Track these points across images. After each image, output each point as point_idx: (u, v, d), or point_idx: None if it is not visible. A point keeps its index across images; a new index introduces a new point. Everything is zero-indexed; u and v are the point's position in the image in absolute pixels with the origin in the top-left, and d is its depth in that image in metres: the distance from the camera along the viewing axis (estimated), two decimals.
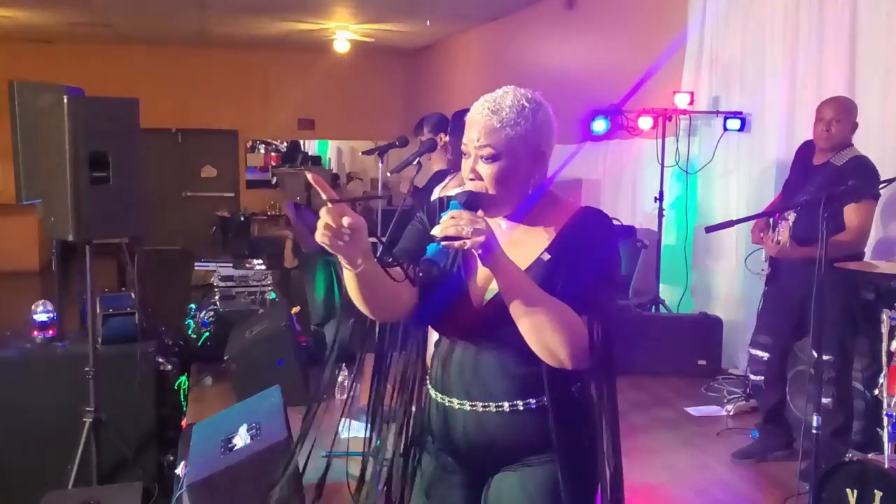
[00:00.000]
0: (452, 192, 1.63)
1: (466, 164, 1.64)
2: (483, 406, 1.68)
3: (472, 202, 1.58)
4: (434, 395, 1.79)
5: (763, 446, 3.78)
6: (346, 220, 1.42)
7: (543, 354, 1.55)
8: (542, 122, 1.63)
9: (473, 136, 1.61)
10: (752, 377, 3.83)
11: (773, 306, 3.74)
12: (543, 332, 1.52)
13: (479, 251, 1.50)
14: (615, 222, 6.35)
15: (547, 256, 1.63)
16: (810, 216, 3.23)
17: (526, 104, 1.61)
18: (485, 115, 1.60)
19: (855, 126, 3.59)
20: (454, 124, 3.65)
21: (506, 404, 1.66)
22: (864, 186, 3.39)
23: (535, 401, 1.65)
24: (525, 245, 1.66)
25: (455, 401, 1.72)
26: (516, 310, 1.53)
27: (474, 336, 1.68)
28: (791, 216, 3.44)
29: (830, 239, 3.31)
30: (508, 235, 1.68)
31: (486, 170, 1.61)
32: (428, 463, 1.87)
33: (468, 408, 1.70)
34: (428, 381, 1.83)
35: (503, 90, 1.64)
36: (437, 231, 1.51)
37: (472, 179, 1.63)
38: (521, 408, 1.66)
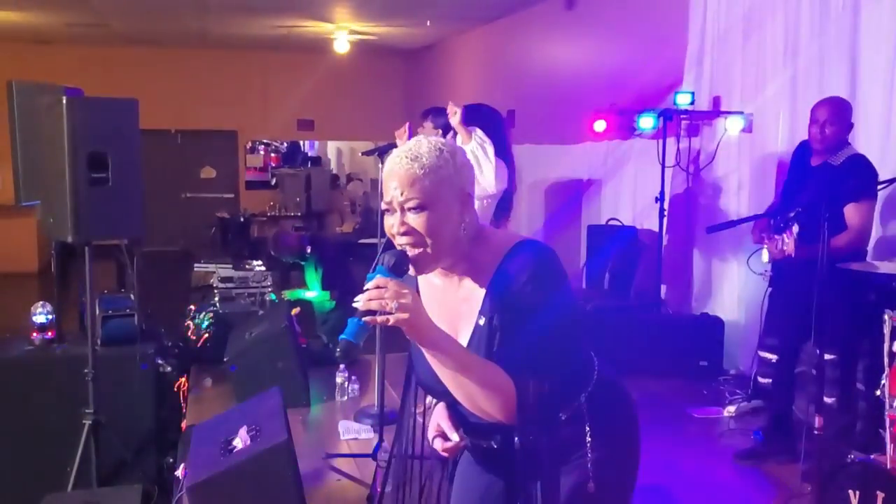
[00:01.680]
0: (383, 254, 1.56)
1: (390, 222, 1.57)
2: (474, 442, 1.74)
3: (399, 264, 1.53)
4: None
5: (766, 449, 3.77)
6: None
7: (478, 414, 1.57)
8: (462, 164, 1.60)
9: (395, 190, 1.55)
10: (761, 380, 3.81)
11: (779, 308, 3.72)
12: (475, 398, 1.54)
13: (404, 328, 1.46)
14: (613, 222, 6.36)
15: (482, 321, 1.59)
16: (812, 219, 3.22)
17: (443, 148, 1.58)
18: (405, 164, 1.55)
19: (850, 126, 3.57)
20: (466, 118, 3.63)
21: (481, 442, 1.72)
22: (861, 185, 3.39)
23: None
24: (463, 304, 1.63)
25: (469, 438, 1.76)
26: (446, 379, 1.53)
27: (446, 396, 1.64)
28: (795, 228, 3.41)
29: (832, 239, 3.31)
30: (443, 295, 1.66)
31: (416, 221, 1.54)
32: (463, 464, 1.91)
33: (475, 443, 1.76)
34: None
35: (414, 140, 1.60)
36: (358, 303, 1.46)
37: (403, 234, 1.55)
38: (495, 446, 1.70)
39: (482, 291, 1.60)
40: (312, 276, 5.66)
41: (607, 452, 1.67)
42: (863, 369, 3.59)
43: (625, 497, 1.78)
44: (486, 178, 3.50)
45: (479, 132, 3.56)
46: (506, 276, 1.57)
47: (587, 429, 1.65)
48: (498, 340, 1.56)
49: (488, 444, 1.70)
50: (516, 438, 1.59)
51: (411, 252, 1.56)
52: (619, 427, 1.75)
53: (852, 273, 3.18)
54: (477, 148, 3.51)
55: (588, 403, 1.66)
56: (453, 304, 1.65)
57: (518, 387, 1.53)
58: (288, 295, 5.69)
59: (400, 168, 1.55)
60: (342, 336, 1.48)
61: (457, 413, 1.72)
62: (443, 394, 1.64)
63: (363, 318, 1.46)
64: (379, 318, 1.45)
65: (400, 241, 1.57)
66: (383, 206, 1.60)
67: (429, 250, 1.56)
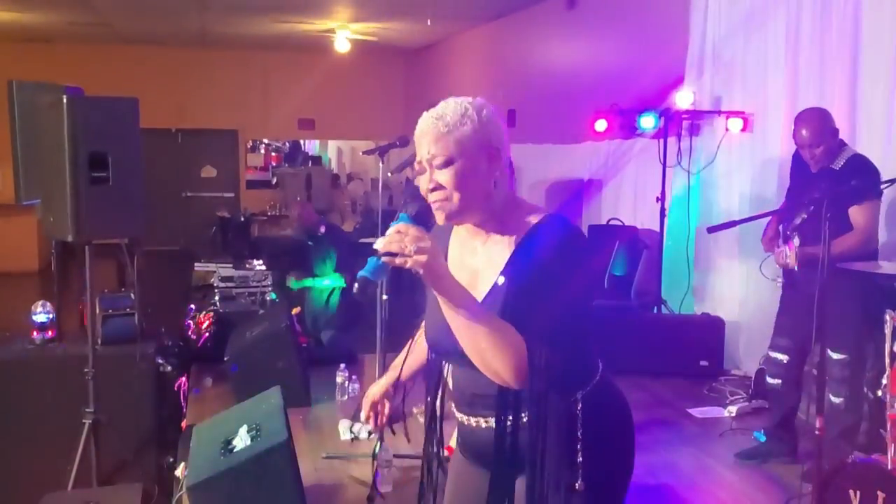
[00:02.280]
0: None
1: (423, 180, 1.63)
2: (474, 420, 1.73)
3: (422, 214, 1.56)
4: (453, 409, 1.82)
5: (768, 449, 3.77)
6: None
7: (488, 374, 1.56)
8: (487, 119, 1.63)
9: (424, 149, 1.62)
10: (770, 380, 3.80)
11: (791, 309, 3.71)
12: (484, 354, 1.53)
13: (421, 271, 1.47)
14: (614, 222, 6.36)
15: (502, 280, 1.62)
16: (817, 222, 3.21)
17: (468, 106, 1.63)
18: (430, 123, 1.62)
19: (835, 132, 3.54)
20: None
21: (481, 420, 1.71)
22: (866, 187, 3.38)
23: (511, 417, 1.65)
24: (486, 262, 1.67)
25: (460, 415, 1.77)
26: (458, 331, 1.53)
27: (451, 354, 1.65)
28: (797, 240, 3.40)
29: (836, 242, 3.30)
30: (470, 251, 1.71)
31: (443, 176, 1.60)
32: (456, 465, 1.90)
33: (466, 422, 1.75)
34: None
35: (444, 101, 1.66)
36: (378, 245, 1.49)
37: (433, 190, 1.62)
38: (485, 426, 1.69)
39: (507, 253, 1.64)
40: (322, 264, 5.65)
41: (599, 454, 1.67)
42: (867, 370, 3.59)
43: (615, 501, 1.76)
44: None
45: None
46: (534, 242, 1.61)
47: (578, 427, 1.64)
48: (513, 302, 1.57)
49: (484, 423, 1.70)
50: (523, 415, 1.60)
51: (441, 207, 1.61)
52: (614, 431, 1.74)
53: (858, 273, 3.18)
54: None
55: (584, 403, 1.66)
56: (477, 260, 1.69)
57: (530, 348, 1.52)
58: (293, 284, 5.67)
59: (427, 127, 1.62)
60: (360, 273, 1.49)
61: (457, 385, 1.73)
62: (450, 353, 1.65)
63: (382, 258, 1.49)
64: (398, 260, 1.47)
65: (431, 199, 1.62)
66: (416, 168, 1.65)
67: (455, 204, 1.61)
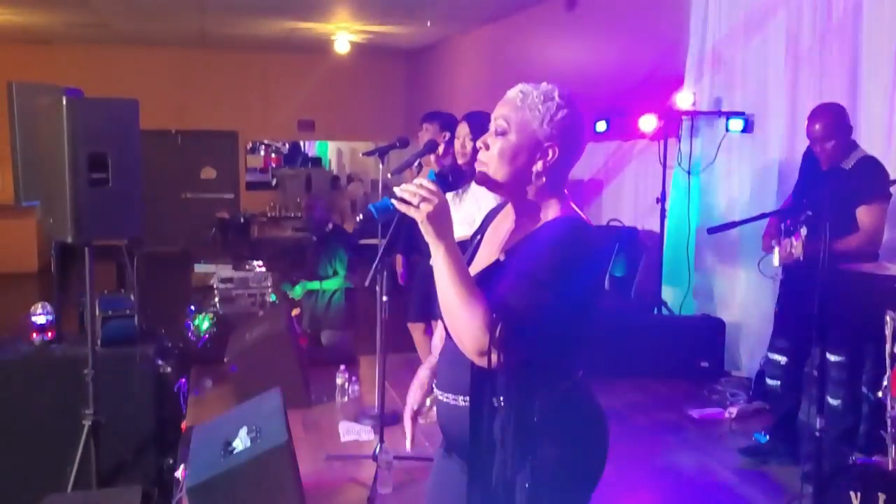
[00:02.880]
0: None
1: (484, 135, 1.72)
2: (447, 397, 1.74)
3: (448, 175, 1.68)
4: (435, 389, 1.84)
5: (769, 451, 3.76)
6: None
7: (453, 336, 1.62)
8: (558, 120, 1.67)
9: (499, 111, 1.71)
10: (769, 381, 3.80)
11: (790, 310, 3.71)
12: (453, 311, 1.58)
13: (419, 220, 1.58)
14: (614, 223, 6.36)
15: (502, 257, 1.69)
16: (822, 223, 3.20)
17: (556, 98, 1.68)
18: (515, 93, 1.71)
19: (850, 130, 3.54)
20: (475, 128, 3.61)
21: (459, 398, 1.71)
22: (873, 187, 3.37)
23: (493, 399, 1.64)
24: (502, 238, 1.74)
25: (438, 392, 1.79)
26: (438, 286, 1.60)
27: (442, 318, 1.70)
28: (804, 230, 3.39)
29: (841, 241, 3.30)
30: (503, 228, 1.77)
31: (493, 142, 1.69)
32: (437, 457, 1.90)
33: (442, 398, 1.77)
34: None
35: (547, 83, 1.72)
36: (397, 190, 1.62)
37: (480, 148, 1.72)
38: (462, 404, 1.69)
39: (518, 238, 1.71)
40: (327, 264, 5.64)
41: (568, 454, 1.67)
42: (867, 371, 3.58)
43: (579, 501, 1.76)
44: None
45: None
46: (542, 233, 1.67)
47: (535, 420, 1.62)
48: (502, 280, 1.61)
49: (462, 401, 1.69)
50: (501, 398, 1.61)
51: (481, 167, 1.71)
52: (586, 433, 1.75)
53: (857, 274, 3.17)
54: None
55: (547, 403, 1.63)
56: (499, 238, 1.76)
57: (492, 319, 1.54)
58: (299, 289, 5.66)
59: (511, 94, 1.72)
60: (370, 206, 1.67)
61: (441, 361, 1.81)
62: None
63: (392, 201, 1.62)
64: (402, 207, 1.59)
65: (479, 157, 1.72)
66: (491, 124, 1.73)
67: (491, 171, 1.69)
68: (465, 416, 1.65)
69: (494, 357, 1.54)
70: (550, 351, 1.62)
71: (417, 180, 1.62)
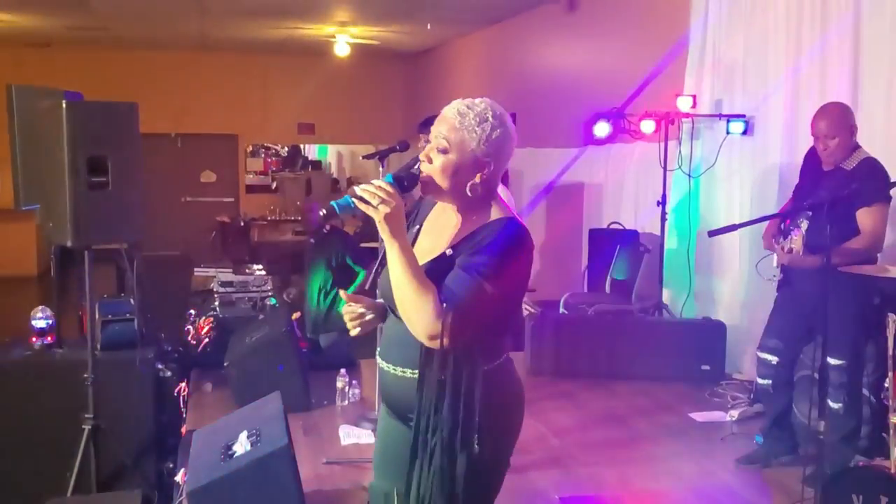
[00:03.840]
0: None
1: (426, 148, 1.89)
2: (394, 369, 1.93)
3: (404, 180, 1.84)
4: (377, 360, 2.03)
5: (768, 451, 3.75)
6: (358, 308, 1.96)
7: (407, 323, 1.80)
8: (494, 139, 1.86)
9: (438, 128, 1.87)
10: (760, 381, 3.79)
11: (784, 311, 3.70)
12: (405, 302, 1.79)
13: (377, 219, 1.76)
14: (615, 225, 6.35)
15: (449, 252, 1.88)
16: (822, 223, 3.20)
17: (490, 119, 1.86)
18: (452, 113, 1.87)
19: (853, 130, 3.53)
20: None
21: (404, 371, 1.90)
22: (873, 189, 3.36)
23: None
24: (447, 238, 1.92)
25: (383, 363, 1.97)
26: (393, 279, 1.80)
27: (390, 304, 1.91)
28: (804, 224, 3.37)
29: (843, 245, 3.29)
30: (443, 223, 1.96)
31: (436, 158, 1.86)
32: (381, 420, 2.11)
33: (386, 368, 1.96)
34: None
35: (481, 100, 1.89)
36: (357, 189, 1.80)
37: (422, 160, 1.88)
38: (410, 375, 1.89)
39: (463, 234, 1.89)
40: (321, 267, 5.62)
41: (490, 424, 1.85)
42: (868, 374, 3.57)
43: (503, 468, 1.98)
44: None
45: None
46: (484, 231, 1.85)
47: (476, 396, 1.83)
48: (449, 271, 1.81)
49: (401, 372, 1.91)
50: (442, 373, 1.80)
51: (423, 178, 1.87)
52: (505, 407, 1.94)
53: (858, 277, 3.16)
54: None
55: (485, 377, 1.84)
56: (443, 234, 1.95)
57: (442, 308, 1.74)
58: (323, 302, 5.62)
59: (448, 114, 1.88)
60: (332, 202, 1.82)
61: (387, 335, 1.99)
62: (390, 303, 1.92)
63: (353, 199, 1.79)
64: (361, 205, 1.77)
65: (422, 166, 1.88)
66: (430, 136, 1.89)
67: (433, 183, 1.88)
68: (410, 386, 1.86)
69: (444, 341, 1.74)
70: (488, 335, 1.85)
71: (376, 181, 1.80)
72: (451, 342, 1.75)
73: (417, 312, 1.77)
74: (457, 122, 1.85)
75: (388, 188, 1.78)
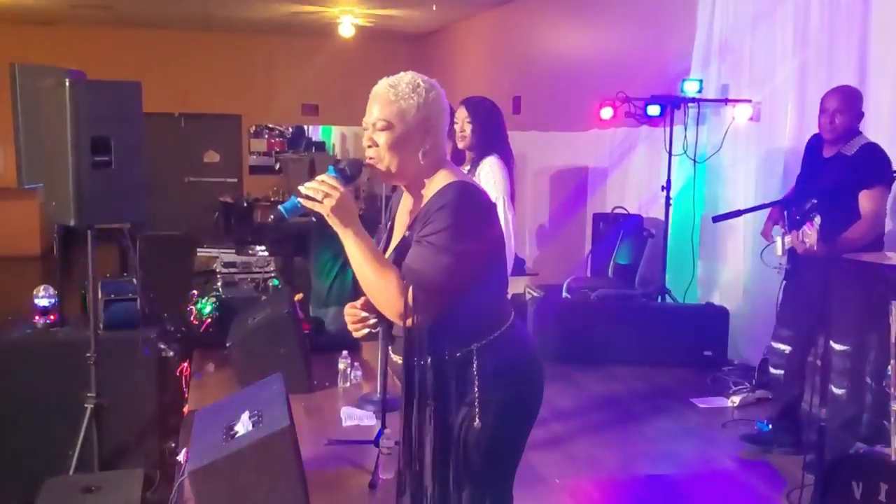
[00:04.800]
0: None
1: (365, 136, 1.90)
2: (398, 358, 1.95)
3: (345, 170, 1.87)
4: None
5: (772, 440, 3.76)
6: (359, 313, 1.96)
7: (377, 306, 1.84)
8: (433, 99, 1.89)
9: (372, 109, 1.89)
10: (772, 370, 3.78)
11: (794, 299, 3.69)
12: (371, 289, 1.82)
13: (325, 214, 1.80)
14: (619, 210, 6.33)
15: (407, 233, 1.90)
16: (827, 210, 3.18)
17: (421, 83, 1.89)
18: (384, 89, 1.89)
19: (860, 115, 3.52)
20: (475, 114, 3.58)
21: (398, 358, 1.93)
22: (874, 172, 3.35)
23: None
24: (407, 219, 1.95)
25: (393, 355, 2.01)
26: (355, 268, 1.83)
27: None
28: (817, 220, 3.33)
29: (847, 231, 3.27)
30: (405, 207, 1.99)
31: (380, 138, 1.87)
32: None
33: (394, 359, 1.99)
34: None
35: (403, 73, 1.91)
36: (301, 188, 1.82)
37: (369, 146, 1.89)
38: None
39: (415, 214, 1.91)
40: (326, 250, 5.61)
41: (502, 398, 1.88)
42: (871, 361, 3.56)
43: (516, 440, 1.99)
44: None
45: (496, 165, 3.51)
46: (432, 201, 1.85)
47: (474, 374, 1.85)
48: (407, 252, 1.84)
49: (399, 360, 1.92)
50: (415, 348, 1.84)
51: (372, 163, 1.89)
52: (518, 378, 1.94)
53: (863, 264, 3.16)
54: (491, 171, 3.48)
55: (481, 351, 1.86)
56: (403, 219, 1.98)
57: (403, 285, 1.78)
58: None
59: (379, 91, 1.89)
60: (279, 206, 1.85)
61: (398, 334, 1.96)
62: None
63: (299, 199, 1.82)
64: (308, 204, 1.80)
65: (367, 154, 1.90)
66: (363, 125, 1.90)
67: (384, 165, 1.88)
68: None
69: (415, 318, 1.77)
70: (469, 308, 1.84)
71: (319, 177, 1.82)
72: (423, 317, 1.77)
73: (381, 294, 1.79)
74: (391, 94, 1.87)
75: (331, 181, 1.81)
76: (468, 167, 3.53)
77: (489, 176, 3.44)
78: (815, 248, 3.30)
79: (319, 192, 1.79)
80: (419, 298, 1.76)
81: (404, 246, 1.87)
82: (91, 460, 3.49)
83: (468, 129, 3.54)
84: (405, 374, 1.87)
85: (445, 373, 1.85)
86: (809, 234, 3.31)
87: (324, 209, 1.79)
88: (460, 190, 1.83)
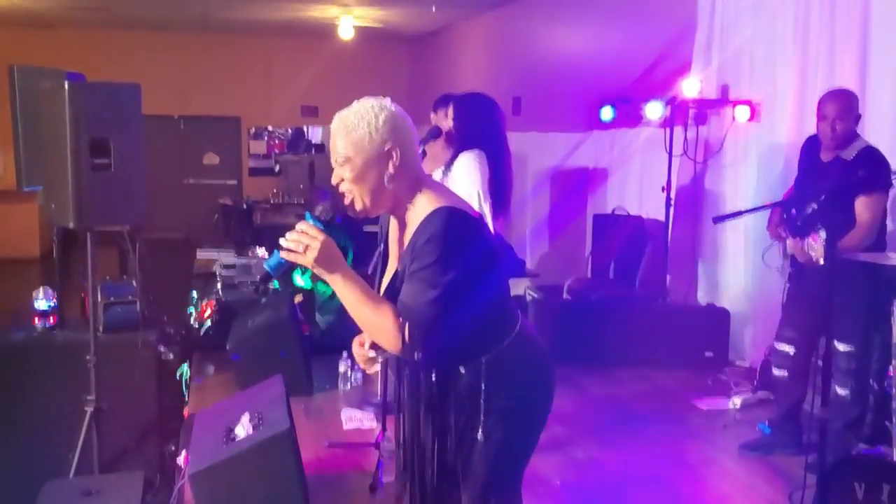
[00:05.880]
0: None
1: (334, 175, 1.88)
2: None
3: (324, 216, 1.93)
4: None
5: (773, 441, 3.74)
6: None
7: (376, 342, 1.88)
8: (384, 121, 1.85)
9: (333, 147, 1.87)
10: (776, 372, 3.77)
11: (798, 301, 3.68)
12: (367, 327, 1.86)
13: (307, 265, 1.79)
14: (619, 211, 6.31)
15: (399, 268, 1.90)
16: (827, 214, 3.17)
17: (370, 109, 1.86)
18: (336, 123, 1.87)
19: (858, 118, 3.51)
20: (457, 109, 3.58)
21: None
22: (872, 178, 3.34)
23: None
24: (396, 250, 1.97)
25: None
26: (348, 309, 1.84)
27: None
28: (823, 233, 3.31)
29: (840, 242, 3.26)
30: (392, 236, 2.00)
31: (344, 172, 1.86)
32: None
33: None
34: None
35: (356, 101, 1.90)
36: (283, 241, 1.81)
37: (337, 184, 1.88)
38: None
39: (403, 246, 1.91)
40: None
41: (511, 408, 1.89)
42: (873, 362, 3.56)
43: (522, 452, 1.99)
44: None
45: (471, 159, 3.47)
46: (417, 233, 1.84)
47: (482, 386, 1.86)
48: (400, 286, 1.85)
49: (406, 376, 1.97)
50: (420, 374, 1.86)
51: (346, 200, 1.88)
52: (520, 391, 1.93)
53: (865, 264, 3.15)
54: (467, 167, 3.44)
55: (488, 366, 1.87)
56: (394, 248, 2.01)
57: (401, 324, 1.80)
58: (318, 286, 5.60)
59: (333, 126, 1.88)
60: (265, 263, 1.85)
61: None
62: None
63: (282, 254, 1.81)
64: (290, 257, 1.80)
65: (341, 187, 1.89)
66: (332, 163, 1.89)
67: (356, 198, 1.87)
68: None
69: (416, 354, 1.80)
70: (473, 325, 1.84)
71: (299, 225, 1.81)
72: (423, 350, 1.80)
73: (380, 333, 1.83)
74: (342, 128, 1.85)
75: (310, 230, 1.80)
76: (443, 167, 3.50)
77: (462, 171, 3.39)
78: (822, 262, 3.27)
79: (300, 245, 1.78)
80: (416, 335, 1.79)
81: (397, 281, 1.89)
82: (91, 463, 3.48)
83: (452, 125, 3.53)
84: (409, 387, 1.91)
85: (455, 386, 1.86)
86: (816, 248, 3.29)
87: (307, 261, 1.78)
88: (445, 218, 1.80)
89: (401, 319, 1.79)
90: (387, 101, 1.90)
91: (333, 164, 1.88)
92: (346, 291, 1.82)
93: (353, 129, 1.84)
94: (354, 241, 5.55)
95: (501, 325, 1.93)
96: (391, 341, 1.81)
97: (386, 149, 1.84)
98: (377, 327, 1.82)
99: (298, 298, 4.73)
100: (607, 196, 6.90)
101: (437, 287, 1.76)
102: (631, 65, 6.42)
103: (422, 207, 1.86)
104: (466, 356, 1.87)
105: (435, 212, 1.82)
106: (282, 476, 2.59)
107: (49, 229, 4.32)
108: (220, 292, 5.06)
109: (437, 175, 3.41)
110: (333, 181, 1.89)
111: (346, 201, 1.88)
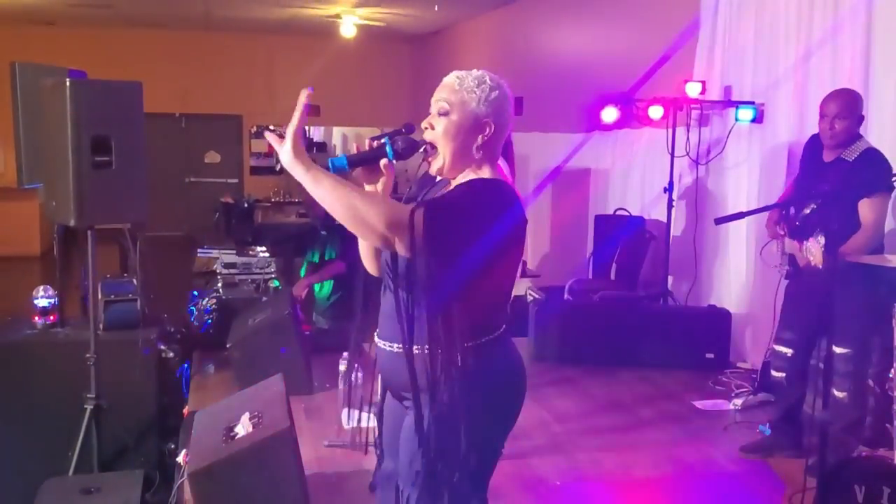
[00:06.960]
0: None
1: (425, 121, 1.95)
2: (388, 346, 1.97)
3: (398, 141, 1.89)
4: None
5: (773, 443, 3.74)
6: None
7: (362, 229, 1.78)
8: (493, 99, 1.91)
9: (438, 94, 1.93)
10: (774, 373, 3.77)
11: (796, 302, 3.67)
12: (354, 211, 1.75)
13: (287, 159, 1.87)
14: (621, 211, 6.31)
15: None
16: (827, 215, 3.16)
17: (488, 82, 1.92)
18: (451, 78, 1.94)
19: (861, 119, 3.50)
20: None
21: (395, 346, 1.93)
22: (875, 179, 3.33)
23: (417, 347, 1.85)
24: None
25: (379, 341, 2.02)
26: (334, 201, 1.76)
27: (384, 277, 1.97)
28: (822, 238, 3.30)
29: (843, 248, 3.25)
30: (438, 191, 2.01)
31: (438, 123, 1.92)
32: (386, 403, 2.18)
33: (382, 346, 2.00)
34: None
35: (477, 70, 1.95)
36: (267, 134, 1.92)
37: (425, 129, 1.95)
38: (397, 350, 1.91)
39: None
40: (320, 250, 5.59)
41: (488, 400, 1.86)
42: (873, 364, 3.55)
43: (488, 448, 1.94)
44: None
45: None
46: (459, 184, 1.91)
47: (455, 372, 1.81)
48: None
49: (388, 347, 1.96)
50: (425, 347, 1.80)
51: (431, 156, 1.93)
52: (504, 383, 1.94)
53: (863, 266, 3.14)
54: None
55: (472, 352, 1.82)
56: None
57: (411, 212, 1.73)
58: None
59: (448, 80, 1.94)
60: (329, 159, 1.90)
61: (384, 319, 1.99)
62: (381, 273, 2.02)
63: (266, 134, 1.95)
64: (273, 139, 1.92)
65: (425, 135, 1.94)
66: (431, 110, 1.94)
67: (440, 154, 1.92)
68: (399, 361, 1.86)
69: (407, 237, 1.71)
70: (467, 305, 1.79)
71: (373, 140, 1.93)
72: (412, 232, 1.71)
73: (366, 209, 1.74)
74: (456, 84, 1.91)
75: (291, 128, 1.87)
76: None
77: None
78: (821, 266, 3.27)
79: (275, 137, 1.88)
80: (421, 216, 1.72)
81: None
82: (91, 461, 3.49)
83: None
84: (408, 360, 1.85)
85: (432, 366, 1.82)
86: (814, 253, 3.29)
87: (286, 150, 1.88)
88: (488, 182, 1.88)
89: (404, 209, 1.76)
90: (504, 82, 1.96)
91: (431, 112, 1.93)
92: (328, 179, 1.78)
93: (465, 89, 1.90)
94: (351, 239, 5.54)
95: (490, 320, 1.92)
96: (380, 210, 1.73)
97: (483, 121, 1.91)
98: (364, 203, 1.75)
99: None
100: (609, 197, 6.90)
101: (451, 204, 1.81)
102: (633, 66, 6.41)
103: (478, 174, 1.93)
104: (451, 335, 1.80)
105: (485, 179, 1.91)
106: (281, 475, 2.59)
107: (50, 227, 4.32)
108: (221, 290, 5.06)
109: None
110: (423, 125, 1.95)
111: (431, 157, 1.92)
